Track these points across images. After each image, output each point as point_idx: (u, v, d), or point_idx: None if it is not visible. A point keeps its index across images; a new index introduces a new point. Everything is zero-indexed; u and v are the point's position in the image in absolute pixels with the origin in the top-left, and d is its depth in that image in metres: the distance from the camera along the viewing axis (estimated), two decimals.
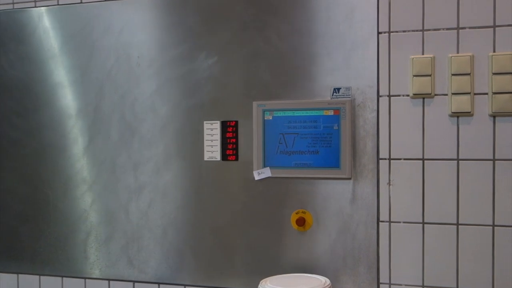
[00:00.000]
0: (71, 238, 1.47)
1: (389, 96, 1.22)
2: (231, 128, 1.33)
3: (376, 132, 1.23)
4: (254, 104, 1.30)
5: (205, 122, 1.35)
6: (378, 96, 1.23)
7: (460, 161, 1.17)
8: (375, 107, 1.23)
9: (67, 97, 1.46)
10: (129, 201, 1.41)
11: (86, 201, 1.45)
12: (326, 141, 1.26)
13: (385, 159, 1.22)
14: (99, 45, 1.43)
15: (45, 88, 1.48)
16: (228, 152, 1.33)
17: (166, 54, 1.38)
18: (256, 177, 1.30)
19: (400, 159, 1.21)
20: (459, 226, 1.18)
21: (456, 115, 1.17)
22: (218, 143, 1.34)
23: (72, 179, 1.46)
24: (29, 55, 1.49)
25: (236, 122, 1.33)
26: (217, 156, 1.34)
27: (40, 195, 1.49)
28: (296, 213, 1.28)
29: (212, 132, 1.35)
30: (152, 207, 1.40)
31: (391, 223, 1.22)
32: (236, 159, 1.33)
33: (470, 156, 1.17)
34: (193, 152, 1.36)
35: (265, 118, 1.30)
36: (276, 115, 1.29)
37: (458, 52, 1.18)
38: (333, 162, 1.25)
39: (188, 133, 1.36)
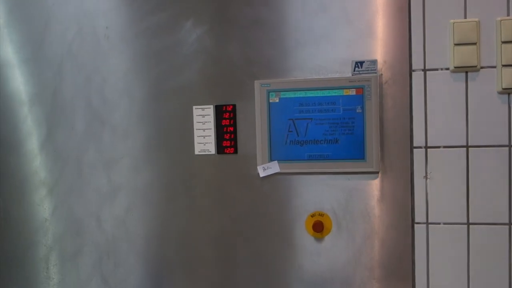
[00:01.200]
0: (29, 254, 1.18)
1: (424, 70, 0.99)
2: (227, 114, 1.08)
3: (409, 115, 1.00)
4: (256, 83, 1.05)
5: (194, 107, 1.09)
6: (411, 70, 1.00)
7: None
8: (408, 84, 1.00)
9: (17, 80, 1.17)
10: (102, 207, 1.14)
11: (46, 208, 1.17)
12: (347, 127, 1.03)
13: (421, 147, 1.00)
14: (56, 13, 1.14)
15: None
16: (224, 143, 1.08)
17: (142, 23, 1.10)
18: (261, 174, 1.06)
19: (439, 147, 0.99)
20: None
21: (507, 91, 0.96)
22: (212, 132, 1.08)
23: (28, 181, 1.17)
24: None
25: (234, 106, 1.07)
26: (211, 148, 1.09)
27: None
28: (312, 216, 1.05)
29: (204, 119, 1.09)
30: (130, 213, 1.13)
31: (429, 225, 1.00)
32: (235, 152, 1.08)
33: None
34: (180, 145, 1.10)
35: (271, 101, 1.05)
36: (284, 96, 1.05)
37: (508, 15, 0.96)
38: (356, 152, 1.02)
39: (174, 121, 1.10)
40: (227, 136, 1.08)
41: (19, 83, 1.17)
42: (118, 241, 1.14)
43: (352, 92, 1.02)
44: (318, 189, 1.05)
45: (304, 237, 1.06)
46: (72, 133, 1.15)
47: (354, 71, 1.02)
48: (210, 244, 1.10)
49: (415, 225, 1.01)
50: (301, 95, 1.04)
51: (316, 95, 1.03)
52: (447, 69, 0.98)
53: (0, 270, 1.20)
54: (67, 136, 1.15)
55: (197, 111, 1.09)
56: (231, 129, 1.07)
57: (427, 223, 1.00)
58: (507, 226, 0.97)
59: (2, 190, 1.18)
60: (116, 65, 1.12)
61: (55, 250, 1.17)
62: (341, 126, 1.03)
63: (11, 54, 1.17)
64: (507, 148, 0.97)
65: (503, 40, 0.96)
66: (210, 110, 1.08)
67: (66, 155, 1.15)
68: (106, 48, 1.12)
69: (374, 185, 1.02)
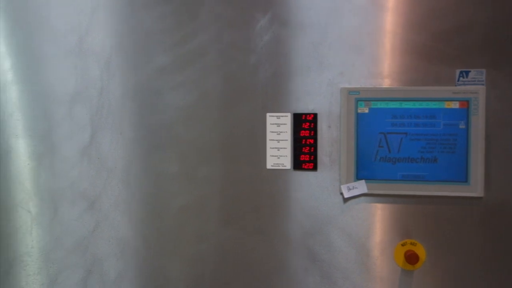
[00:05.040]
0: (64, 277, 1.02)
1: None
2: (307, 124, 0.94)
3: None
4: (343, 90, 0.92)
5: (268, 114, 0.95)
6: None
7: None
8: None
9: (54, 75, 1.00)
10: (150, 225, 0.99)
11: (86, 225, 1.01)
12: (448, 144, 0.90)
13: None
14: None
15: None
16: (302, 157, 0.94)
17: (210, 14, 0.95)
18: (346, 194, 0.92)
19: None
20: None
21: None
22: (288, 144, 0.94)
23: (64, 193, 1.01)
24: None
25: (315, 115, 0.93)
26: (287, 163, 0.94)
27: (17, 212, 1.02)
28: (403, 245, 0.92)
29: (279, 129, 0.95)
30: (185, 233, 0.98)
31: None
32: (315, 168, 0.94)
33: None
34: (250, 157, 0.95)
35: (359, 111, 0.92)
36: (375, 106, 0.91)
37: None
38: (457, 174, 0.90)
39: (243, 130, 0.95)
40: (306, 150, 0.94)
41: (57, 79, 1.00)
42: (167, 267, 0.98)
43: (455, 105, 0.89)
44: (410, 214, 0.92)
45: (392, 268, 0.92)
46: (120, 139, 0.99)
47: (458, 80, 0.89)
48: (277, 273, 0.95)
49: None
50: (395, 106, 0.91)
51: (413, 106, 0.90)
52: None
53: None
54: (114, 142, 0.99)
55: (271, 119, 0.94)
56: (311, 141, 0.93)
57: None
58: None
59: (32, 203, 1.01)
60: (176, 62, 0.97)
61: (94, 273, 1.01)
62: (441, 143, 0.90)
63: (49, 44, 1.00)
64: None
65: None
66: (287, 119, 0.94)
67: (112, 164, 0.99)
68: (155, 31, 0.97)
69: (477, 213, 0.90)
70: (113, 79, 0.99)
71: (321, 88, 0.93)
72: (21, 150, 1.01)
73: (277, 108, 0.94)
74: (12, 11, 0.99)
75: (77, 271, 1.01)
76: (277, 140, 0.94)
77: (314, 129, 0.93)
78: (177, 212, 0.98)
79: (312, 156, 0.93)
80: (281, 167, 0.94)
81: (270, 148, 0.95)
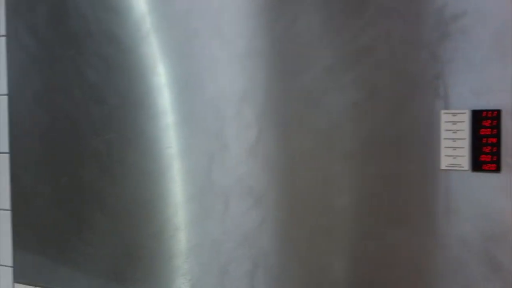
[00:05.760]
0: (232, 268, 1.07)
1: None
2: (489, 122, 0.86)
3: None
4: None
5: (443, 111, 0.89)
6: None
7: None
8: None
9: (225, 77, 1.06)
10: (314, 222, 1.00)
11: (252, 220, 1.05)
12: None
13: None
14: None
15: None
16: (483, 157, 0.87)
17: (379, 6, 0.93)
18: None
19: None
20: None
21: None
22: (466, 143, 0.88)
23: (233, 190, 1.06)
24: None
25: (498, 112, 0.85)
26: (464, 163, 0.88)
27: (191, 205, 1.11)
28: None
29: (455, 127, 0.89)
30: (352, 230, 0.97)
31: None
32: (497, 169, 0.86)
33: None
34: (422, 157, 0.91)
35: None
36: None
37: None
38: None
39: (415, 127, 0.91)
40: (487, 149, 0.86)
41: (227, 80, 1.06)
42: (332, 266, 0.98)
43: None
44: None
45: None
46: (285, 138, 1.01)
47: None
48: (452, 279, 0.89)
49: None
50: None
51: None
52: None
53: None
54: (279, 141, 1.02)
55: (446, 116, 0.89)
56: (494, 140, 0.86)
57: None
58: None
59: (204, 198, 1.09)
60: (344, 61, 0.96)
61: (260, 267, 1.05)
62: None
63: (220, 49, 1.06)
64: None
65: None
66: (464, 116, 0.88)
67: (277, 162, 1.02)
68: (321, 32, 0.97)
69: None
70: (278, 80, 1.01)
71: (505, 82, 0.85)
72: (195, 148, 1.09)
73: (453, 105, 0.88)
74: (190, 22, 1.07)
75: (245, 263, 1.06)
76: (452, 139, 0.89)
77: (497, 127, 0.85)
78: (343, 210, 0.97)
79: (495, 157, 0.86)
80: (457, 168, 0.88)
81: (445, 147, 0.89)
